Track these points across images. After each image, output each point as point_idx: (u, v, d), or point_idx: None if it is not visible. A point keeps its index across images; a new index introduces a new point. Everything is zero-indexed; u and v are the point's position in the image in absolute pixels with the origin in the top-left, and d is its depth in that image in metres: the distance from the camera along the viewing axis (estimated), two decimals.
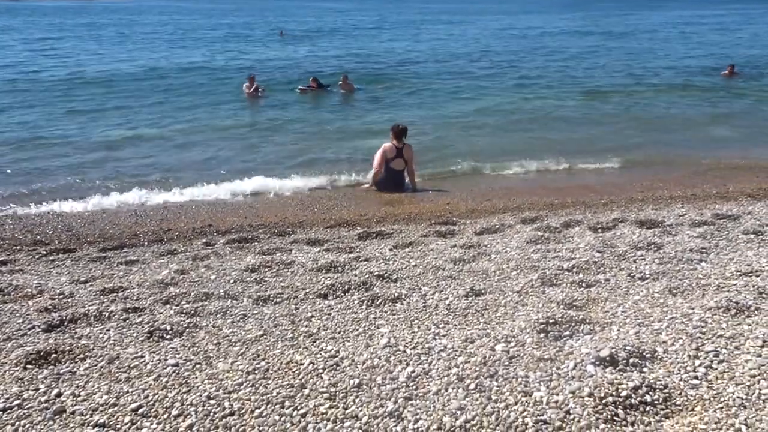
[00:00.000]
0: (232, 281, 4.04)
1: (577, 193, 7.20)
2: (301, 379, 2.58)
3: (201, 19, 45.22)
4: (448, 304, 3.38)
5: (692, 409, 2.22)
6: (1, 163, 8.74)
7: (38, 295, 3.81)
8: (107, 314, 3.40)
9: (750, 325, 2.84)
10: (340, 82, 15.49)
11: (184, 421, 2.31)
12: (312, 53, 23.26)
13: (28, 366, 2.78)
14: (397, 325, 3.12)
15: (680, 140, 10.11)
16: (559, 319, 3.02)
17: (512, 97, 14.16)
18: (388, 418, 2.27)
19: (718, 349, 2.62)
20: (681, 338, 2.74)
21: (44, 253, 5.07)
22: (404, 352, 2.79)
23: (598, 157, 9.07)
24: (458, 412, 2.27)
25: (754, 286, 3.33)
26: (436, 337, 2.94)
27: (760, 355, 2.53)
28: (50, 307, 3.55)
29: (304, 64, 20.21)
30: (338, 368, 2.66)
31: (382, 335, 2.99)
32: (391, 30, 35.95)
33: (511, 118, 12.03)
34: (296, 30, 33.35)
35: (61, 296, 3.78)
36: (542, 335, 2.86)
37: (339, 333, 3.07)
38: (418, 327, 3.08)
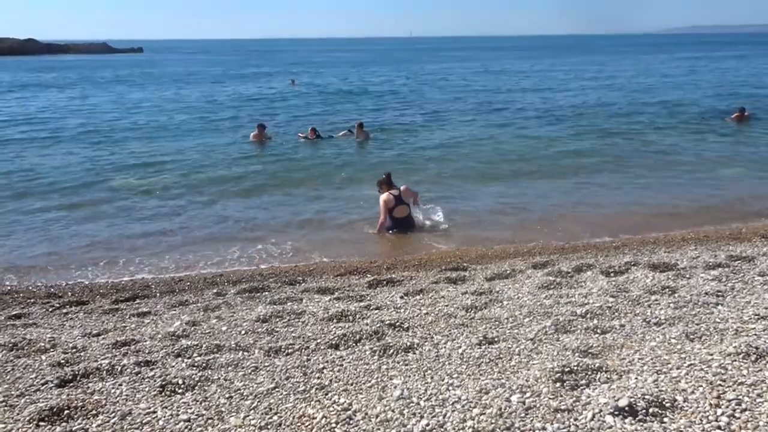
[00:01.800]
0: (243, 332, 4.03)
1: (588, 234, 7.18)
2: None
3: (213, 68, 46.69)
4: (461, 353, 3.34)
5: None
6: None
7: (51, 349, 3.82)
8: (119, 368, 3.39)
9: None
10: (356, 130, 15.64)
11: None
12: (322, 105, 23.70)
13: (41, 423, 2.76)
14: (410, 376, 3.08)
15: (691, 182, 10.12)
16: (575, 368, 2.96)
17: (526, 142, 14.33)
18: None
19: (740, 396, 2.56)
20: (701, 386, 2.68)
21: (57, 306, 5.11)
22: (418, 404, 2.74)
23: (607, 198, 9.10)
24: None
25: None
26: (450, 387, 2.89)
27: None
28: (63, 361, 3.56)
29: (314, 115, 20.58)
30: (351, 422, 2.62)
31: (395, 386, 2.95)
32: (406, 76, 37.01)
33: (523, 161, 12.15)
34: (308, 82, 34.08)
35: (74, 350, 3.78)
36: (558, 384, 2.81)
37: (351, 385, 3.04)
38: (432, 377, 3.04)
